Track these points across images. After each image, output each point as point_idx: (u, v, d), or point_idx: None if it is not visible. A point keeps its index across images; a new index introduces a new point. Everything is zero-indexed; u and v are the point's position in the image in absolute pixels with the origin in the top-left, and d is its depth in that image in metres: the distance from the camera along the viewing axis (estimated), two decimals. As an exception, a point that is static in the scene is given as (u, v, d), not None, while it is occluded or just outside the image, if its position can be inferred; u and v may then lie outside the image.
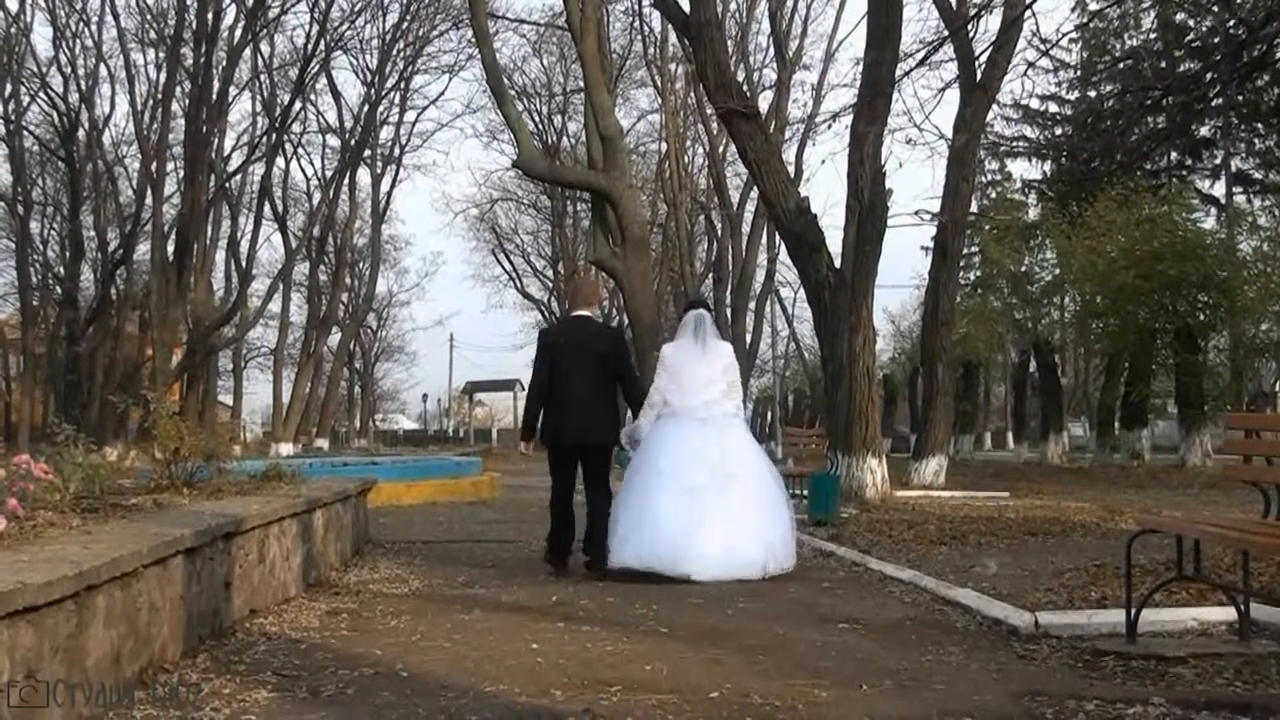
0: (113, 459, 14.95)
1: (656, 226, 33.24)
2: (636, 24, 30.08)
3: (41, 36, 57.20)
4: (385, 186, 35.76)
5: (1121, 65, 25.44)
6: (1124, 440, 21.98)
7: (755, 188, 16.30)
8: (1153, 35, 25.61)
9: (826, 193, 75.53)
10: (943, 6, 14.70)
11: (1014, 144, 29.80)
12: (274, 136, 30.69)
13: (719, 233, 34.18)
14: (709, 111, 25.41)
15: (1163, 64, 22.51)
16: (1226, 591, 4.49)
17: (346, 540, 7.01)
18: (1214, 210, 24.95)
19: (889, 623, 4.84)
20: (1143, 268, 17.57)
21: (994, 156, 29.24)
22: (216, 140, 29.20)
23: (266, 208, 32.28)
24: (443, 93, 70.39)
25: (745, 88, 16.78)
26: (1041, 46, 17.98)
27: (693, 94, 29.48)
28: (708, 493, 6.11)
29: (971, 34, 14.96)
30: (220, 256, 33.22)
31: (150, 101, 29.11)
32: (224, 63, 27.85)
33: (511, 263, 45.85)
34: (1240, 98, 23.06)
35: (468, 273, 78.69)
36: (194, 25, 26.69)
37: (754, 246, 31.53)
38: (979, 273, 26.85)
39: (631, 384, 6.89)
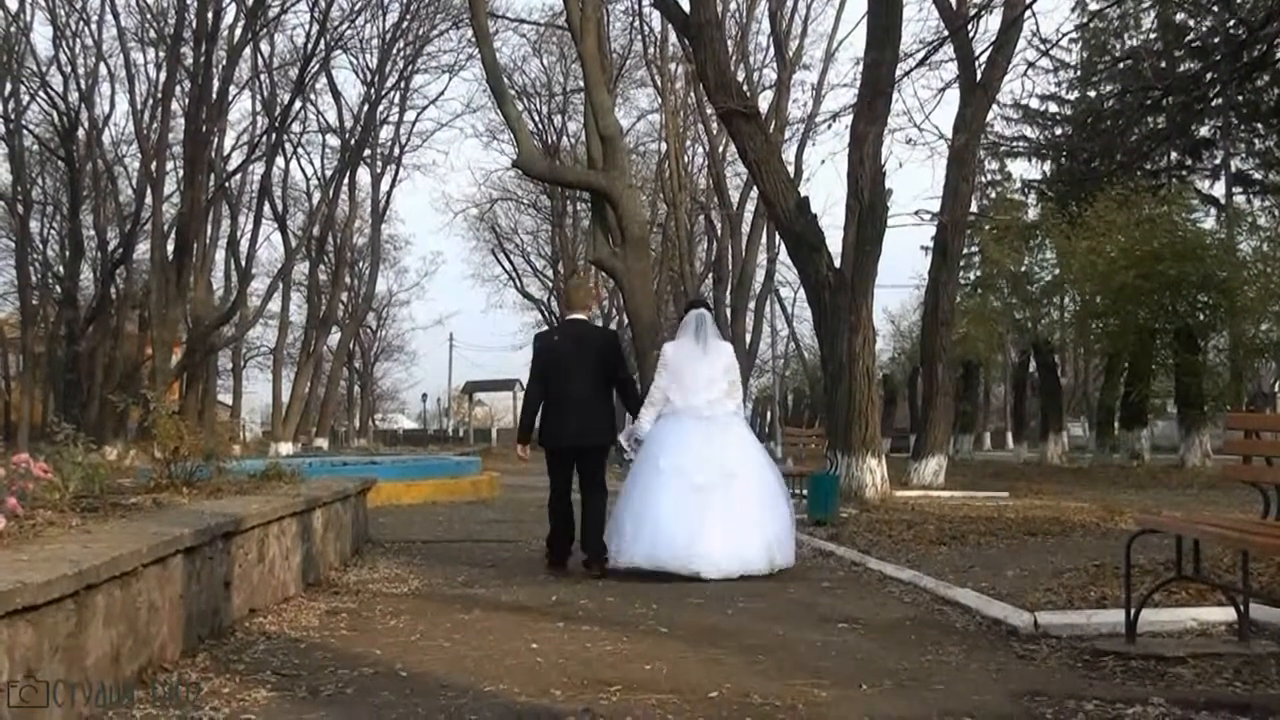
0: (112, 458, 14.95)
1: (656, 226, 33.24)
2: (636, 24, 30.13)
3: (41, 35, 57.52)
4: (385, 186, 35.86)
5: (1121, 65, 25.45)
6: (1123, 440, 21.97)
7: (755, 188, 16.29)
8: (1153, 35, 25.62)
9: (826, 193, 75.47)
10: (943, 6, 14.69)
11: (1014, 144, 29.81)
12: (274, 136, 30.69)
13: (719, 232, 34.18)
14: (709, 111, 25.42)
15: (1163, 64, 22.51)
16: (1226, 592, 4.49)
17: (346, 540, 7.01)
18: (1214, 210, 24.96)
19: (889, 623, 4.84)
20: (1142, 268, 17.57)
21: (994, 156, 29.25)
22: (216, 139, 29.21)
23: (266, 207, 32.31)
24: (443, 92, 70.69)
25: (745, 88, 16.78)
26: (1041, 46, 17.99)
27: (693, 94, 29.48)
28: (712, 491, 6.16)
29: (971, 34, 14.96)
30: (220, 256, 33.33)
31: (150, 101, 29.13)
32: (224, 62, 27.85)
33: (511, 262, 45.92)
34: (1240, 98, 23.06)
35: (467, 272, 78.97)
36: (194, 24, 26.69)
37: (754, 246, 31.55)
38: (979, 273, 26.85)
39: (627, 386, 6.94)
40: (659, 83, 30.02)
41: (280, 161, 32.68)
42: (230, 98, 29.27)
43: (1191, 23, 24.62)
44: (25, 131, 30.11)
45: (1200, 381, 18.63)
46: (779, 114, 27.13)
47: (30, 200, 31.19)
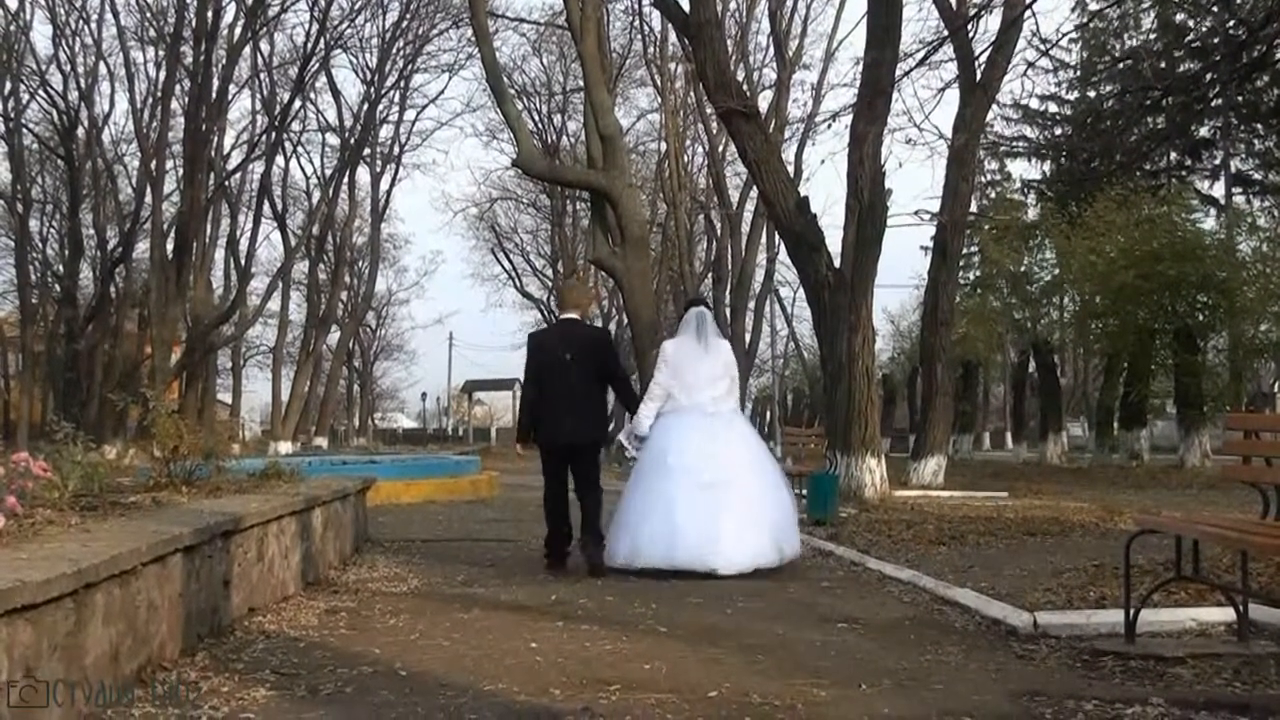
0: (111, 457, 14.98)
1: (656, 226, 33.24)
2: (636, 23, 30.14)
3: (41, 34, 57.45)
4: (385, 185, 35.90)
5: (1121, 65, 25.40)
6: (1123, 440, 21.97)
7: (755, 187, 16.30)
8: (1152, 35, 25.59)
9: (826, 193, 75.51)
10: (943, 6, 14.69)
11: (1014, 144, 29.80)
12: (273, 135, 30.68)
13: (718, 232, 34.17)
14: (709, 111, 25.42)
15: (1162, 64, 22.48)
16: (1225, 592, 4.49)
17: (345, 539, 7.01)
18: (1213, 210, 24.96)
19: (888, 622, 4.84)
20: (1142, 268, 17.57)
21: (994, 156, 29.23)
22: (216, 138, 29.20)
23: (266, 206, 32.28)
24: (442, 91, 70.41)
25: (745, 87, 16.78)
26: (1041, 46, 17.95)
27: (692, 93, 29.47)
28: (720, 488, 6.21)
29: (971, 34, 14.96)
30: (219, 255, 33.32)
31: (150, 99, 29.11)
32: (224, 61, 27.85)
33: (511, 262, 45.90)
34: (1240, 98, 23.04)
35: (467, 271, 79.41)
36: (194, 23, 26.68)
37: (753, 246, 31.55)
38: (978, 273, 26.83)
39: (623, 384, 6.99)
40: (659, 82, 30.02)
41: (280, 160, 32.73)
42: (230, 97, 29.35)
43: (1191, 23, 24.57)
44: (25, 130, 30.15)
45: (1200, 382, 18.64)
46: (779, 114, 27.14)
47: (30, 199, 31.20)
